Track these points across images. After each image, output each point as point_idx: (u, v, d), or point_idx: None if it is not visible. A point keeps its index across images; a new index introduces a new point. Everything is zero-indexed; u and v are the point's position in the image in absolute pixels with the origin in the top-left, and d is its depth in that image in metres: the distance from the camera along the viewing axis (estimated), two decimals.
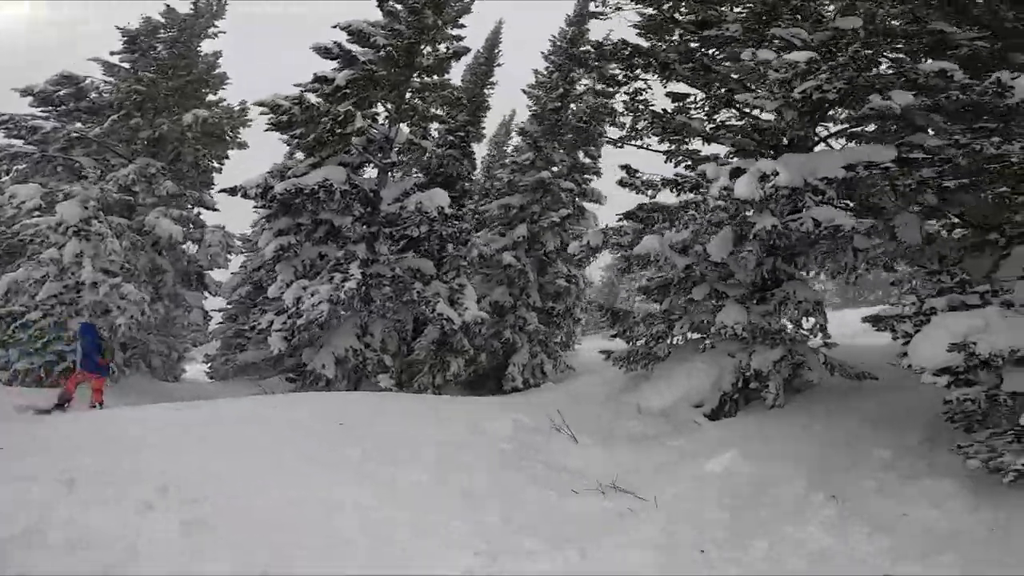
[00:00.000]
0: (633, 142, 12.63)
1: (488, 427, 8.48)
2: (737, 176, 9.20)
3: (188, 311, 21.28)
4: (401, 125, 17.86)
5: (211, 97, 23.71)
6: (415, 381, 16.80)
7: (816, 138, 11.87)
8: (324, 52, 16.64)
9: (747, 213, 9.99)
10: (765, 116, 11.66)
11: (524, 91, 22.82)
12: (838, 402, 10.46)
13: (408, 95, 17.60)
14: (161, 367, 21.11)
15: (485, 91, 22.17)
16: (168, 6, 22.57)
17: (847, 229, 9.22)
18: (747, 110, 11.89)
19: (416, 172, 19.58)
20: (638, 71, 11.83)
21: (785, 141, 11.42)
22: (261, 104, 15.95)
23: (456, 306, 16.41)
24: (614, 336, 13.45)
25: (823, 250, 10.67)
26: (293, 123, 16.15)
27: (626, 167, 12.46)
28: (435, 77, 18.07)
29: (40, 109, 20.90)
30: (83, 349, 11.77)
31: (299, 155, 19.38)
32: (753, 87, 11.20)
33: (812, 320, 11.51)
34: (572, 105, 21.52)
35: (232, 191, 16.53)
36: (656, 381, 12.09)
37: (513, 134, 26.99)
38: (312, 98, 16.11)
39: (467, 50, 18.07)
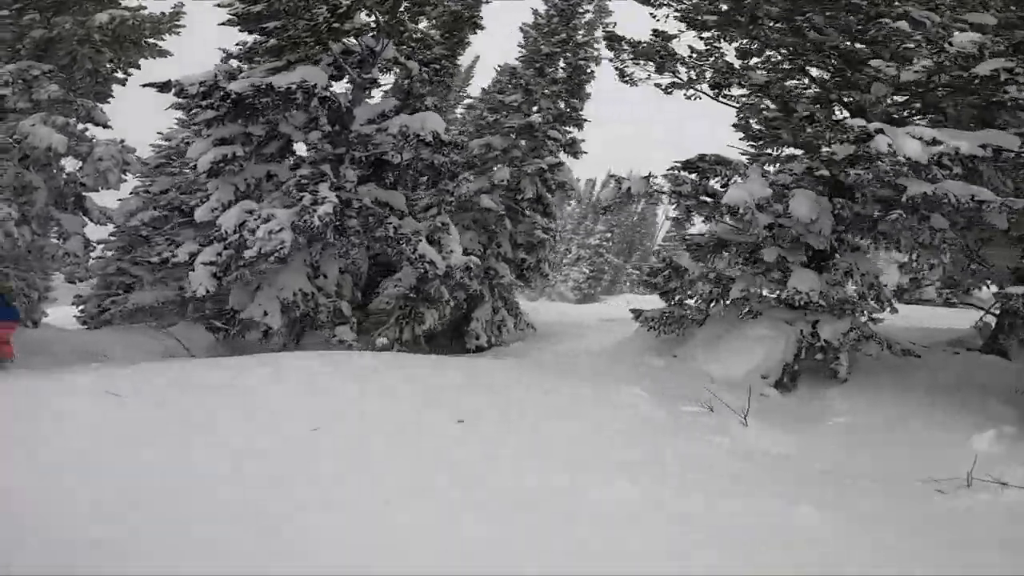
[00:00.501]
0: (684, 90, 12.19)
1: (617, 400, 6.09)
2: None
3: (64, 239, 16.64)
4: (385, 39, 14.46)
5: (129, 2, 18.90)
6: (378, 335, 13.61)
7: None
8: None
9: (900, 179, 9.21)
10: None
11: (521, 29, 20.42)
12: (894, 376, 9.98)
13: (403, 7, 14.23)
14: (19, 308, 16.29)
15: (465, 27, 18.92)
16: None
17: (995, 205, 8.82)
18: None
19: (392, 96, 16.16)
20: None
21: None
22: None
23: (439, 248, 13.36)
24: (660, 292, 11.34)
25: (904, 225, 9.76)
26: (264, 15, 12.42)
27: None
28: None
29: None
30: None
31: (242, 64, 15.34)
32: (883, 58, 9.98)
33: (872, 292, 10.74)
34: (567, 53, 19.38)
35: (163, 87, 12.45)
36: (712, 349, 10.14)
37: (473, 79, 24.26)
38: None
39: None
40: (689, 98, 12.54)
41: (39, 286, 18.57)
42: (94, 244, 17.99)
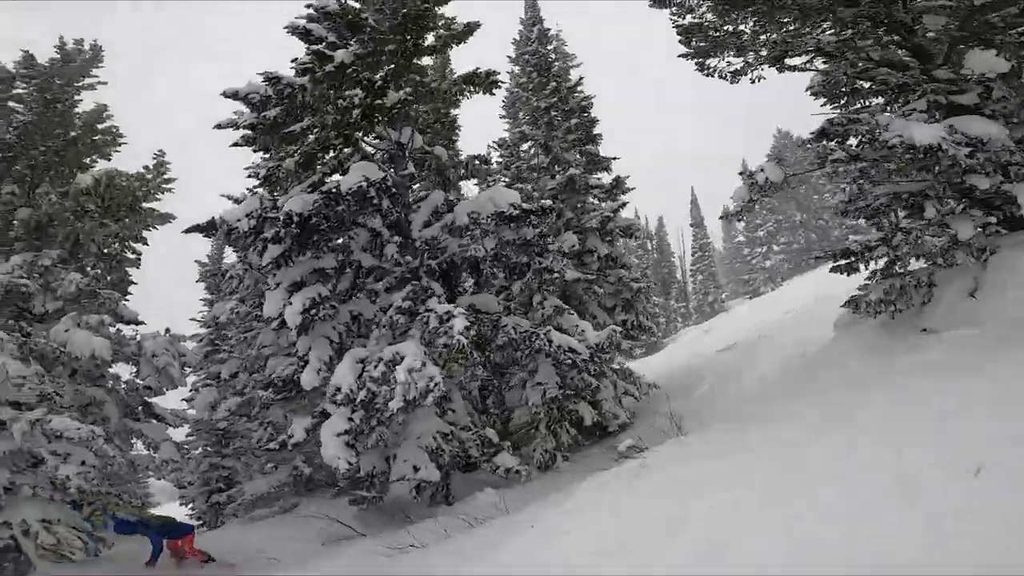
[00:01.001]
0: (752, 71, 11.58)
1: None
2: None
3: (154, 448, 14.62)
4: (410, 128, 13.01)
5: (103, 164, 17.49)
6: (533, 451, 11.64)
7: None
8: (304, 34, 11.50)
9: None
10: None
11: (508, 92, 19.62)
12: None
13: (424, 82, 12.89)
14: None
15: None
16: (26, 53, 16.33)
17: None
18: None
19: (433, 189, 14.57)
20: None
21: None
22: (232, 95, 10.63)
23: (568, 332, 11.61)
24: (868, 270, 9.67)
25: None
26: (281, 121, 10.91)
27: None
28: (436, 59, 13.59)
29: None
30: (145, 533, 10.50)
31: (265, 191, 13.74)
32: None
33: None
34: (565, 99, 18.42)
35: (207, 228, 10.61)
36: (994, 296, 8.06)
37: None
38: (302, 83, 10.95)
39: (478, 25, 13.55)
40: (754, 81, 12.00)
41: (139, 495, 16.65)
42: (185, 447, 16.03)
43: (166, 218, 18.24)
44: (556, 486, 10.22)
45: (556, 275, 12.58)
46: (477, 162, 14.77)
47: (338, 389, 9.70)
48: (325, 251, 10.95)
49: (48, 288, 14.41)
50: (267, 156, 13.81)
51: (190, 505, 18.46)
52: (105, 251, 17.41)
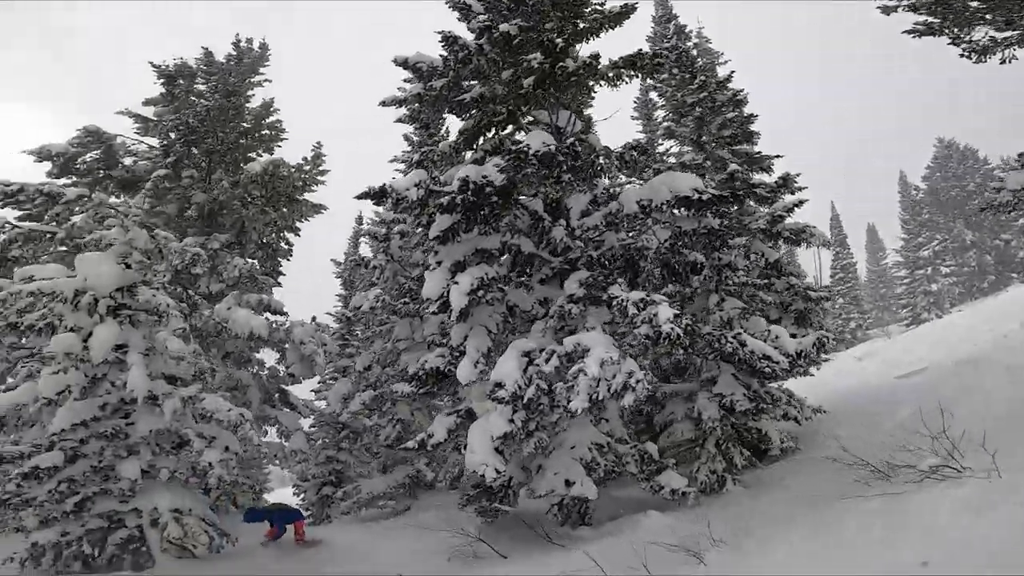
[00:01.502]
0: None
1: None
2: None
3: (284, 436, 14.59)
4: (568, 112, 11.94)
5: (267, 157, 18.05)
6: (696, 472, 10.03)
7: None
8: (465, 9, 10.75)
9: None
10: None
11: (639, 93, 18.27)
12: None
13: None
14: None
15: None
16: (206, 50, 17.19)
17: None
18: None
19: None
20: None
21: None
22: (403, 63, 10.13)
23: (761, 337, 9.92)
24: None
25: None
26: (447, 95, 10.23)
27: None
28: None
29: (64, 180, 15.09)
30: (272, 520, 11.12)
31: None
32: None
33: None
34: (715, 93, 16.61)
35: (378, 195, 9.83)
36: None
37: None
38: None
39: (634, 9, 12.23)
40: (1004, 61, 9.85)
41: (259, 480, 16.94)
42: (312, 438, 16.02)
43: (319, 208, 18.59)
44: (741, 513, 8.59)
45: (740, 272, 10.90)
46: (635, 153, 13.44)
47: (499, 385, 8.59)
48: (491, 230, 9.97)
49: (215, 270, 14.82)
50: (427, 133, 13.36)
51: (301, 496, 18.28)
52: (264, 240, 17.94)
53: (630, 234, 10.65)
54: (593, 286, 9.28)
